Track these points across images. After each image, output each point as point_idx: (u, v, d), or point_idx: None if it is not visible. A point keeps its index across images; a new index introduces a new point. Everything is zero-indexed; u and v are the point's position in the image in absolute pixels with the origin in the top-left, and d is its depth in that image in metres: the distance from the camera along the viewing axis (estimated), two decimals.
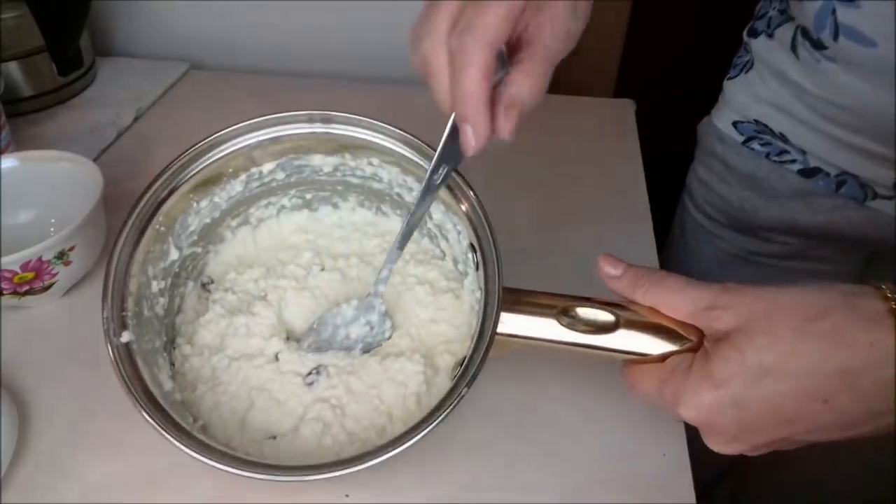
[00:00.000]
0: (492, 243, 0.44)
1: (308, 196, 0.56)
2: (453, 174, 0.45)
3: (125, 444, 0.48)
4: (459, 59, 0.33)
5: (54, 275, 0.55)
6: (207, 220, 0.52)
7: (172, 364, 0.49)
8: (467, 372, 0.38)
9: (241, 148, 0.50)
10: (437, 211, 0.51)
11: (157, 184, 0.47)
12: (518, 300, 0.40)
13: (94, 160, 0.64)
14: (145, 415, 0.39)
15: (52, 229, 0.62)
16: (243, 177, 0.52)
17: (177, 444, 0.38)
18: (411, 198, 0.52)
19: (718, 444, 0.35)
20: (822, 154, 0.57)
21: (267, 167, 0.52)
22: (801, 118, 0.56)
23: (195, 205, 0.50)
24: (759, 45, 0.59)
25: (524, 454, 0.47)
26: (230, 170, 0.51)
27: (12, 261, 0.51)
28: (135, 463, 0.47)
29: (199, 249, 0.53)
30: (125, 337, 0.43)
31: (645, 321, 0.37)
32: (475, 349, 0.39)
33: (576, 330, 0.38)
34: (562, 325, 0.38)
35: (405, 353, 0.48)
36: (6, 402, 0.48)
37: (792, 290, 0.33)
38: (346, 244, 0.56)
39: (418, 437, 0.37)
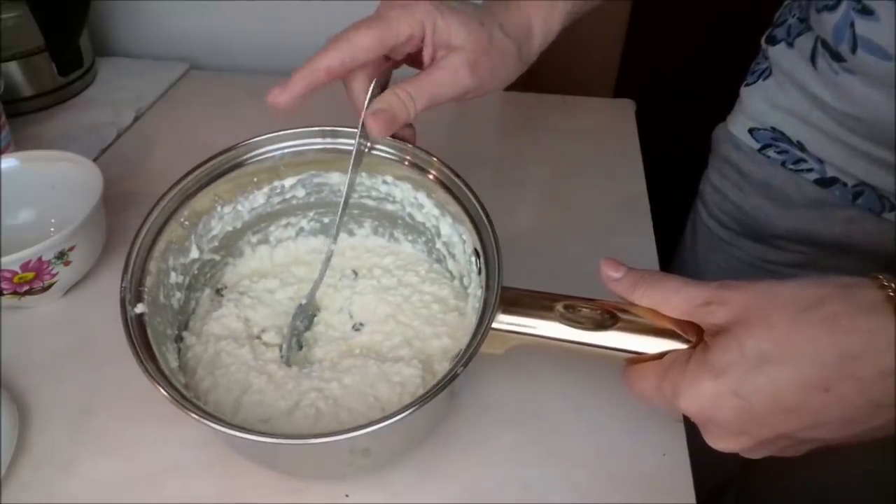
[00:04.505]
0: (492, 239, 0.44)
1: (325, 220, 0.57)
2: (458, 180, 0.48)
3: (125, 444, 0.48)
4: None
5: (54, 275, 0.55)
6: (229, 229, 0.53)
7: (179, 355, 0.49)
8: (464, 355, 0.39)
9: (269, 158, 0.51)
10: (445, 225, 0.52)
11: (188, 179, 0.48)
12: (517, 297, 0.40)
13: (94, 160, 0.64)
14: (153, 381, 0.39)
15: (52, 229, 0.62)
16: (266, 189, 0.53)
17: (182, 407, 0.38)
18: (422, 216, 0.53)
19: (720, 440, 0.34)
20: (840, 163, 0.56)
21: (289, 182, 0.53)
22: (820, 127, 0.56)
23: (219, 208, 0.52)
24: (777, 53, 0.58)
25: (524, 454, 0.47)
26: (255, 179, 0.52)
27: (12, 261, 0.51)
28: (135, 462, 0.47)
29: (218, 258, 0.54)
30: (139, 308, 0.43)
31: (643, 320, 0.37)
32: (473, 336, 0.39)
33: (574, 327, 0.38)
34: (561, 322, 0.38)
35: (404, 359, 0.48)
36: (6, 402, 0.48)
37: (787, 283, 0.33)
38: (358, 262, 0.57)
39: (422, 404, 0.37)
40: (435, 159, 0.49)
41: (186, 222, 0.49)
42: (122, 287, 0.43)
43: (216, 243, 0.53)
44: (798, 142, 0.58)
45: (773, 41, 0.59)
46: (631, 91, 0.87)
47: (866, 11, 0.46)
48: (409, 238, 0.57)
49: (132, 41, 0.95)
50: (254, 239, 0.56)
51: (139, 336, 0.42)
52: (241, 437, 0.37)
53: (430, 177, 0.49)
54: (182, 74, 0.91)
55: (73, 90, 0.85)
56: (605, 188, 0.71)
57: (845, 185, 0.57)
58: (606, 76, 1.18)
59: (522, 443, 0.48)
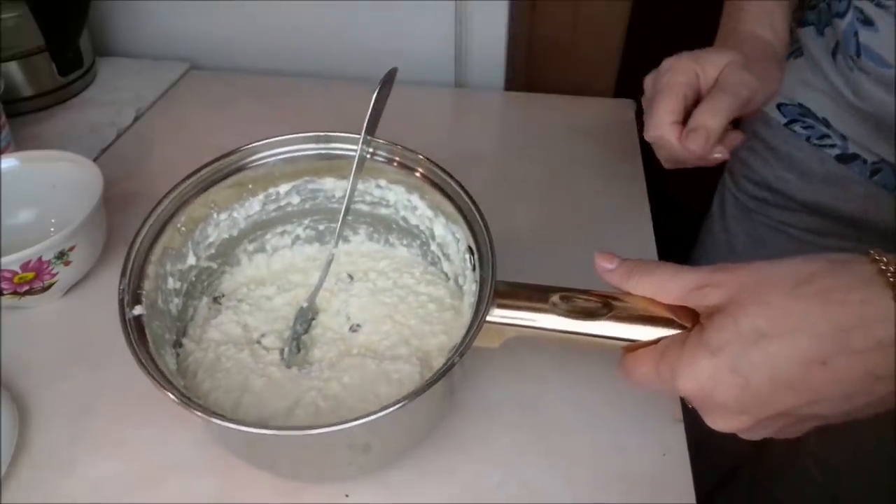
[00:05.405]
0: (485, 234, 0.44)
1: (321, 227, 0.57)
2: (450, 180, 0.48)
3: (125, 444, 0.48)
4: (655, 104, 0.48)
5: (54, 275, 0.55)
6: (226, 236, 0.53)
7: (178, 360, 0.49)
8: (459, 346, 0.39)
9: (263, 164, 0.51)
10: (439, 226, 0.52)
11: (185, 185, 0.49)
12: (512, 290, 0.40)
13: (94, 160, 0.64)
14: (152, 380, 0.39)
15: (52, 229, 0.62)
16: (261, 196, 0.53)
17: (183, 405, 0.38)
18: (416, 219, 0.54)
19: (720, 420, 0.34)
20: (862, 141, 0.59)
21: (283, 188, 0.54)
22: (843, 106, 0.58)
23: (215, 216, 0.52)
24: (806, 36, 0.61)
25: (524, 453, 0.47)
26: (250, 186, 0.52)
27: (12, 261, 0.51)
28: (134, 463, 0.47)
29: (215, 266, 0.54)
30: (138, 310, 0.43)
31: (638, 308, 0.37)
32: (469, 327, 0.39)
33: (570, 317, 0.38)
34: (556, 313, 0.38)
35: (402, 357, 0.48)
36: (6, 402, 0.48)
37: (780, 262, 0.33)
38: (354, 266, 0.57)
39: (420, 394, 0.37)
40: (421, 156, 0.49)
41: (183, 228, 0.49)
42: (120, 289, 0.43)
43: (213, 251, 0.53)
44: (823, 118, 0.61)
45: (803, 23, 0.62)
46: (631, 91, 0.87)
47: (868, 22, 0.50)
48: (404, 242, 0.57)
49: (132, 41, 0.95)
50: (250, 247, 0.56)
51: (138, 337, 0.42)
52: (239, 431, 0.37)
53: (418, 175, 0.50)
54: (182, 74, 0.91)
55: (73, 90, 0.85)
56: (605, 188, 0.71)
57: (865, 161, 0.60)
58: (606, 76, 1.18)
59: (522, 442, 0.48)
